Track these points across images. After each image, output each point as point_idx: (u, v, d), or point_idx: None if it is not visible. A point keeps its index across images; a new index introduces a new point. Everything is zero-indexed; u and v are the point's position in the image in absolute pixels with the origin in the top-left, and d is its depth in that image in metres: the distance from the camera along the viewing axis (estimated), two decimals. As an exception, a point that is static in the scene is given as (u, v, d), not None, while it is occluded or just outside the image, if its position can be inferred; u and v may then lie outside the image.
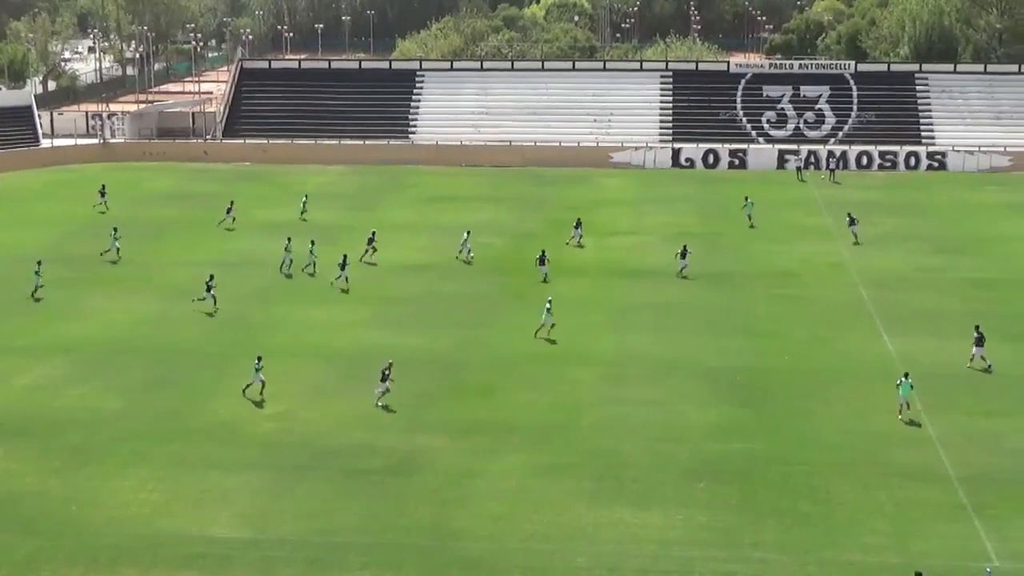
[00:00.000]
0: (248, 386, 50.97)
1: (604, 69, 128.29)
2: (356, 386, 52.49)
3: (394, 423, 48.73)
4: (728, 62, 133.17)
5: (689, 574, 37.02)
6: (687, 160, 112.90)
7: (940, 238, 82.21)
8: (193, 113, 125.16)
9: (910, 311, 64.71)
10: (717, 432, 47.95)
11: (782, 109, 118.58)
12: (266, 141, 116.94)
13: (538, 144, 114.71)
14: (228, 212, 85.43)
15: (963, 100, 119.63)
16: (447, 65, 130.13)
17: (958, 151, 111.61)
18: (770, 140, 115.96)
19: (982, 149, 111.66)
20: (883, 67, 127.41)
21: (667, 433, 47.69)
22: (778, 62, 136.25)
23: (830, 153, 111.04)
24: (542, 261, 71.21)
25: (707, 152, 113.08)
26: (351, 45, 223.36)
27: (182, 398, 51.50)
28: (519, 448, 46.18)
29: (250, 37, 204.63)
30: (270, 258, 74.71)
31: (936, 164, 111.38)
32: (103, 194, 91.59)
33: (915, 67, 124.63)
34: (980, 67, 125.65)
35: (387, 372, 50.50)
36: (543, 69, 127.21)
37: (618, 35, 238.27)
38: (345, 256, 69.75)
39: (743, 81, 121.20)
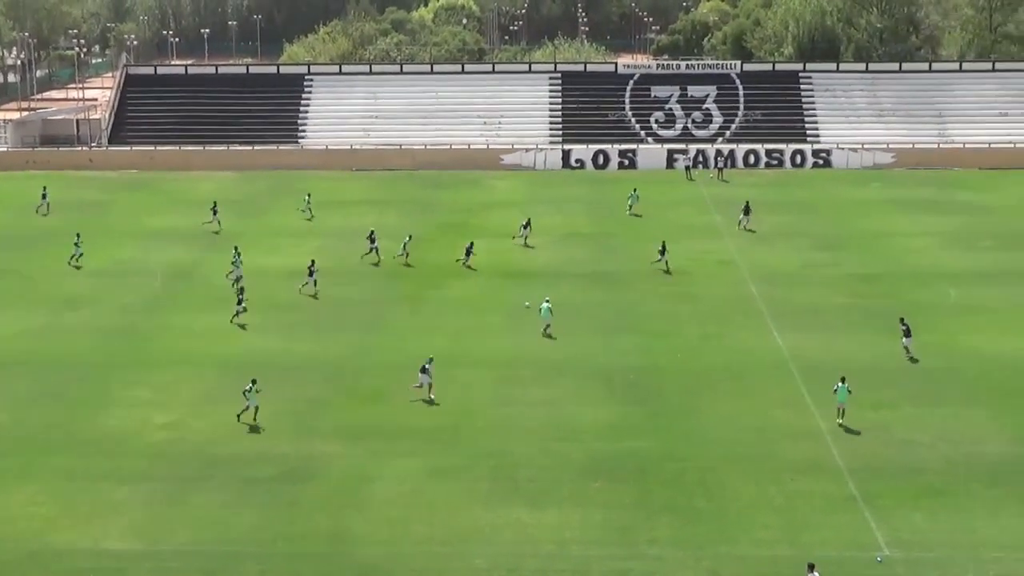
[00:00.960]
0: (243, 411, 49.04)
1: (493, 71, 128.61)
2: (248, 393, 52.02)
3: (287, 430, 48.36)
4: (616, 63, 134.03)
5: (586, 573, 37.20)
6: (577, 161, 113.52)
7: (826, 234, 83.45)
8: (78, 120, 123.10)
9: (798, 307, 65.62)
10: (611, 431, 48.25)
11: (670, 109, 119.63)
12: (153, 148, 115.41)
13: (428, 147, 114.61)
14: (214, 214, 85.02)
15: (846, 98, 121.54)
16: (335, 69, 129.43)
17: (842, 148, 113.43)
18: (659, 140, 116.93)
19: (866, 146, 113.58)
20: (768, 67, 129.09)
21: (561, 433, 47.88)
22: (665, 63, 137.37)
23: (718, 152, 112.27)
24: (468, 252, 73.39)
25: (597, 153, 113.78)
26: (238, 50, 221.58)
27: (70, 410, 50.67)
28: (414, 452, 46.09)
29: (135, 43, 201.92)
30: (157, 266, 73.93)
31: (821, 161, 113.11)
32: (44, 197, 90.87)
33: (799, 66, 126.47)
34: (862, 66, 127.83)
35: (427, 366, 50.96)
36: (432, 72, 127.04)
37: (507, 37, 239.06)
38: (313, 261, 69.30)
39: (631, 82, 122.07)
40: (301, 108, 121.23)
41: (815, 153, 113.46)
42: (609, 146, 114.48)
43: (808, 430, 48.19)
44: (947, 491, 42.70)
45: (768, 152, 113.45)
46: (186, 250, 73.47)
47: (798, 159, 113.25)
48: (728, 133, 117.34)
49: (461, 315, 63.76)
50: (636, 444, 46.91)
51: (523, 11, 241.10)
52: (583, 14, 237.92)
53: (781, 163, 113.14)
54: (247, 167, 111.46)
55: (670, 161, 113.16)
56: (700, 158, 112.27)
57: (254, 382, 49.16)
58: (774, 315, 63.76)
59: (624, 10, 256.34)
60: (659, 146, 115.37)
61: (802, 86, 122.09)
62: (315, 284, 68.18)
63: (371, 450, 46.21)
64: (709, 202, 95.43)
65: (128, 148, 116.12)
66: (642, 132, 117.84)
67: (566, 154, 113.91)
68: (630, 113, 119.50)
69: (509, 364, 56.32)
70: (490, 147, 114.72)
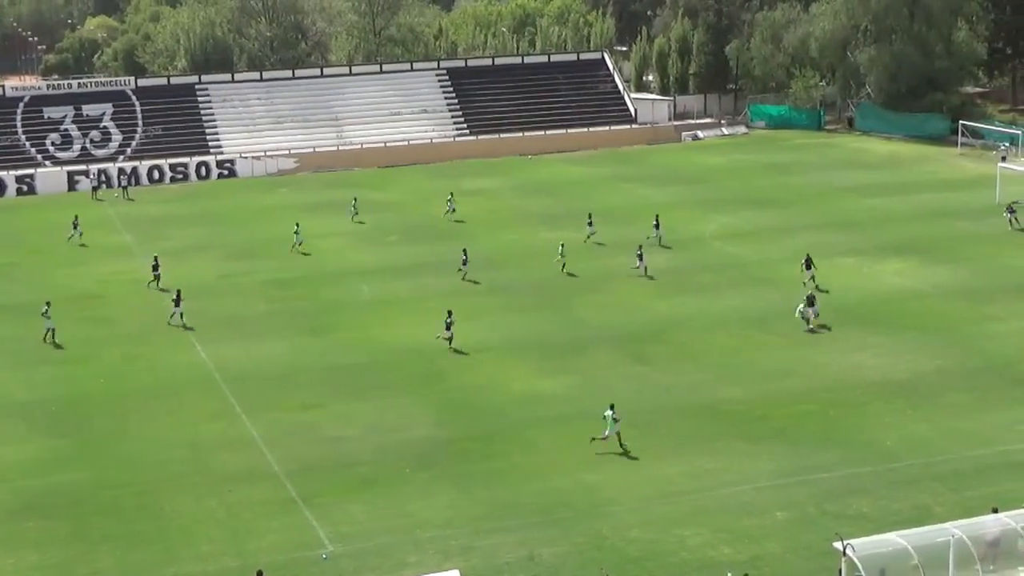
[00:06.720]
0: None
1: None
2: None
3: None
4: (3, 86, 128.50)
5: (26, 618, 35.74)
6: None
7: (238, 243, 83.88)
8: None
9: (217, 318, 65.63)
10: (38, 467, 46.44)
11: (66, 130, 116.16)
12: None
13: None
14: (75, 227, 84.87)
15: (244, 107, 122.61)
16: None
17: (246, 158, 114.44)
18: (58, 163, 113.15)
19: (268, 154, 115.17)
20: (163, 81, 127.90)
21: (-16, 476, 45.65)
22: (56, 83, 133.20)
23: (120, 170, 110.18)
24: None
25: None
26: None
27: None
28: None
29: None
30: None
31: (226, 172, 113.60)
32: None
33: (195, 79, 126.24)
34: (256, 74, 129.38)
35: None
36: None
37: None
38: (179, 291, 64.39)
39: (21, 104, 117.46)
40: None
41: (219, 164, 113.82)
42: (5, 173, 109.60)
43: (241, 439, 48.45)
44: (381, 480, 44.25)
45: (172, 167, 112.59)
46: None
47: (203, 171, 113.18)
48: (129, 150, 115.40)
49: None
50: (67, 477, 45.43)
51: None
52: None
53: (186, 176, 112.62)
54: None
55: (72, 183, 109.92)
56: (104, 177, 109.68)
57: None
58: (195, 329, 63.47)
59: (5, 30, 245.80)
60: (58, 169, 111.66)
61: (199, 98, 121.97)
62: (181, 316, 63.77)
63: None
64: (118, 222, 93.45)
65: None
66: (39, 156, 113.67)
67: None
68: (23, 137, 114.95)
69: (-82, 412, 52.94)
70: None
